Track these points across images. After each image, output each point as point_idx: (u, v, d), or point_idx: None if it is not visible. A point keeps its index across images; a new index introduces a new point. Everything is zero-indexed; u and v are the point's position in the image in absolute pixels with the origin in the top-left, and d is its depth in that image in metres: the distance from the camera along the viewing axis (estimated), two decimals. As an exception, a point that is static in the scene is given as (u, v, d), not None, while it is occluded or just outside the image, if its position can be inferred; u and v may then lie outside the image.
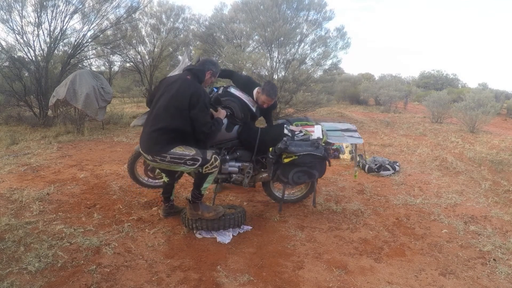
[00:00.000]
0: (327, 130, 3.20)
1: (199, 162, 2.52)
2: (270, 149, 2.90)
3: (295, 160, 2.79)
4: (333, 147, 5.39)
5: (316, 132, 3.07)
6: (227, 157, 3.02)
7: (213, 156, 2.58)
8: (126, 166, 3.44)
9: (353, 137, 3.15)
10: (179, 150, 2.48)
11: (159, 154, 2.47)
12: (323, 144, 2.95)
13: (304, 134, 3.00)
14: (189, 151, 2.49)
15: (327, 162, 2.94)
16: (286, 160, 2.81)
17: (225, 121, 2.92)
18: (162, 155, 2.47)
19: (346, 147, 5.47)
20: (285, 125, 3.07)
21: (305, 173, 2.85)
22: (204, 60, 2.77)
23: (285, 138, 2.87)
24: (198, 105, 2.45)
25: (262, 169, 3.18)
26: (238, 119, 2.99)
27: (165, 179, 2.94)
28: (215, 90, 3.12)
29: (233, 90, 3.06)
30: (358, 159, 3.52)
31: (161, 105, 2.50)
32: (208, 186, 2.70)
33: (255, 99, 3.19)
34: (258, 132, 2.99)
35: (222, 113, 2.77)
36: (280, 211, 3.18)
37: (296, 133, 3.01)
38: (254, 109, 3.07)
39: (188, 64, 2.94)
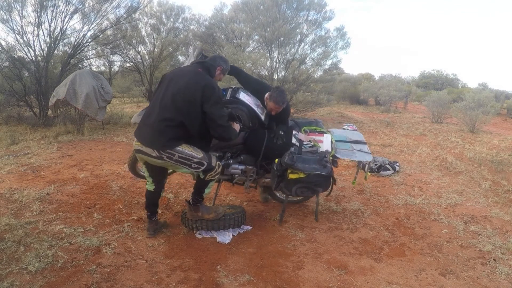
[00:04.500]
0: (336, 141, 3.15)
1: (204, 167, 2.42)
2: (276, 160, 2.82)
3: (301, 178, 2.71)
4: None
5: (325, 142, 3.00)
6: (231, 161, 2.95)
7: (217, 163, 2.51)
8: (127, 161, 3.28)
9: (362, 152, 3.10)
10: (187, 149, 2.35)
11: (165, 149, 2.29)
12: (331, 157, 2.91)
13: (313, 145, 2.94)
14: (197, 153, 2.38)
15: (332, 179, 2.85)
16: (291, 176, 2.73)
17: None
18: (170, 152, 2.30)
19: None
20: (293, 133, 2.98)
21: (308, 189, 2.81)
22: (215, 56, 2.70)
23: (292, 149, 2.80)
24: (212, 98, 2.31)
25: (265, 174, 3.11)
26: (246, 127, 2.88)
27: (151, 187, 2.61)
28: (223, 93, 2.96)
29: (242, 96, 2.91)
30: (367, 171, 3.43)
31: (168, 96, 2.32)
32: (209, 191, 2.67)
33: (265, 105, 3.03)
34: (265, 139, 2.89)
35: (236, 127, 2.61)
36: (280, 222, 3.07)
37: (304, 143, 2.93)
38: (263, 118, 2.94)
39: (193, 59, 2.88)
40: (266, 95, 3.00)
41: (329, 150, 2.96)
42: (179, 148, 2.33)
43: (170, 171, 2.77)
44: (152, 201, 2.66)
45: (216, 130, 2.40)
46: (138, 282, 2.13)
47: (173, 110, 2.30)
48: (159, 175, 2.61)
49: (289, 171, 2.74)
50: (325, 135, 3.11)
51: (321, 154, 2.83)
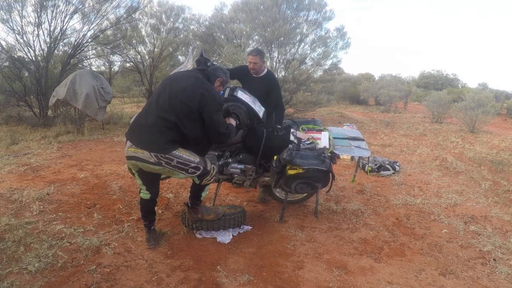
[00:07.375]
0: (334, 138, 3.17)
1: (200, 171, 2.38)
2: (275, 157, 2.83)
3: (300, 174, 2.72)
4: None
5: (323, 140, 3.02)
6: (230, 160, 2.95)
7: (212, 166, 2.48)
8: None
9: (360, 148, 3.12)
10: (184, 154, 2.30)
11: (165, 153, 2.22)
12: (329, 154, 2.92)
13: (311, 142, 2.96)
14: (194, 158, 2.34)
15: (331, 174, 2.85)
16: (290, 172, 2.73)
17: None
18: (168, 158, 2.24)
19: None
20: (291, 131, 3.00)
21: (308, 185, 2.81)
22: (216, 66, 2.66)
23: (290, 146, 2.80)
24: (214, 106, 2.29)
25: (265, 173, 3.11)
26: (244, 125, 2.88)
27: (146, 195, 2.49)
28: (221, 92, 2.93)
29: (240, 94, 2.91)
30: (359, 165, 3.48)
31: (166, 97, 2.29)
32: (206, 193, 2.65)
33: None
34: (264, 137, 2.91)
35: (232, 122, 2.62)
36: (281, 221, 3.07)
37: (302, 140, 2.95)
38: (261, 115, 2.94)
39: (191, 63, 2.87)
40: None
41: (327, 146, 2.98)
42: (176, 153, 2.27)
43: (163, 176, 2.69)
44: (149, 209, 2.55)
45: (219, 137, 2.41)
46: (138, 282, 2.13)
47: (170, 110, 2.26)
48: (153, 181, 2.51)
49: (288, 167, 2.75)
50: (323, 132, 3.13)
51: (319, 150, 2.85)
